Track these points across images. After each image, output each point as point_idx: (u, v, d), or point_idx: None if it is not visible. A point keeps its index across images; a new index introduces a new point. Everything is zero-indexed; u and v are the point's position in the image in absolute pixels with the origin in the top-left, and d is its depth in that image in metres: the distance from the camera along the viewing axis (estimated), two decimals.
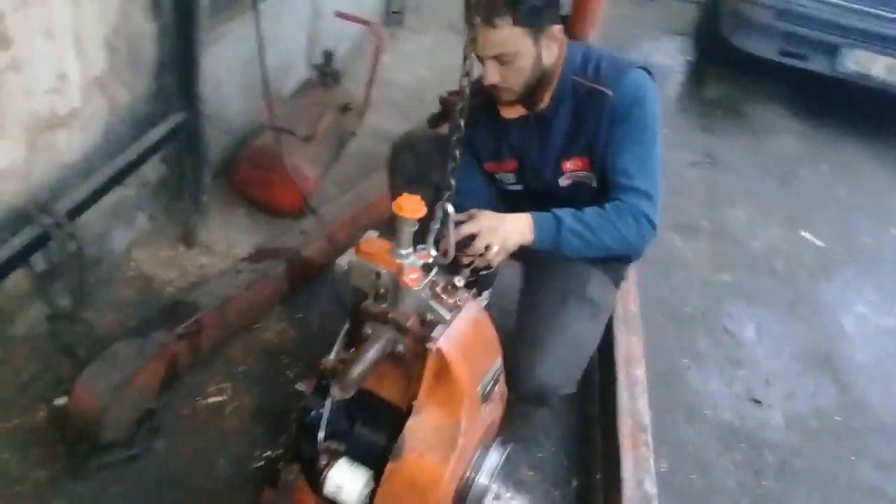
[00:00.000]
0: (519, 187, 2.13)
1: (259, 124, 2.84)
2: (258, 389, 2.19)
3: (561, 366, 2.01)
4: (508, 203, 2.10)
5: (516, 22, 1.76)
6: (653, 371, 2.51)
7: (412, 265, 1.56)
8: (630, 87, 1.92)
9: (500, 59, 1.83)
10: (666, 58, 5.73)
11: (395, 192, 2.33)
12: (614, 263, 2.22)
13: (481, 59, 1.85)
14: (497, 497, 2.00)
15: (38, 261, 1.87)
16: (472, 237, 1.77)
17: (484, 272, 1.79)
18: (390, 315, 1.55)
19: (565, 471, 2.15)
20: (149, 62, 2.25)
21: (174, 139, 2.36)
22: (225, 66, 2.77)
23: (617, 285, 2.28)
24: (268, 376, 2.23)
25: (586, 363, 2.11)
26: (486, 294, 1.88)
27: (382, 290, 1.58)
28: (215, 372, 2.21)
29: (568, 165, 2.02)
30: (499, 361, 1.71)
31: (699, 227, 3.51)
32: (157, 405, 2.02)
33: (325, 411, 1.63)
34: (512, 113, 2.02)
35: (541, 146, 2.03)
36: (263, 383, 2.21)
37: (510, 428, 2.18)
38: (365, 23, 3.12)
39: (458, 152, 1.59)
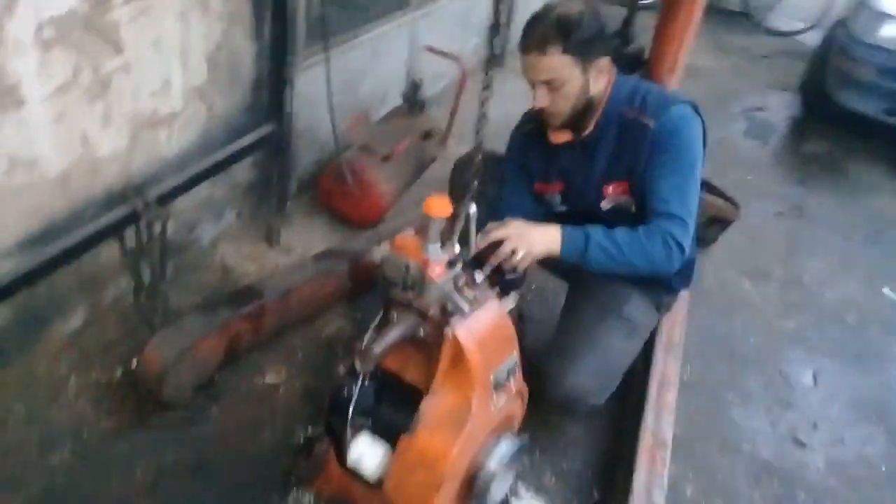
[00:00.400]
0: (564, 209, 2.26)
1: (345, 142, 3.11)
2: (311, 375, 2.39)
3: (590, 376, 2.11)
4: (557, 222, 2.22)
5: (566, 51, 1.92)
6: (695, 403, 2.57)
7: (438, 260, 1.73)
8: (671, 119, 2.02)
9: (549, 85, 1.98)
10: (769, 112, 5.68)
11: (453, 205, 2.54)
12: (657, 288, 2.32)
13: (532, 85, 2.03)
14: (517, 496, 2.15)
15: (130, 239, 2.16)
16: (500, 241, 1.92)
17: (511, 275, 1.92)
18: (414, 303, 1.73)
19: (588, 482, 2.22)
20: (246, 78, 2.55)
21: (263, 147, 2.65)
22: (319, 90, 3.06)
23: (658, 310, 2.36)
24: (321, 365, 2.43)
25: (618, 378, 2.19)
26: (513, 295, 2.00)
27: (410, 282, 1.74)
28: (275, 355, 2.44)
29: (609, 190, 2.13)
30: (514, 356, 1.83)
31: (771, 275, 3.48)
32: (217, 376, 2.26)
33: (355, 390, 1.82)
34: (559, 138, 2.16)
35: (585, 170, 2.16)
36: (316, 370, 2.41)
37: (541, 438, 2.30)
38: (452, 58, 3.35)
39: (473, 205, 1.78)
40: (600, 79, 2.04)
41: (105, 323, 2.29)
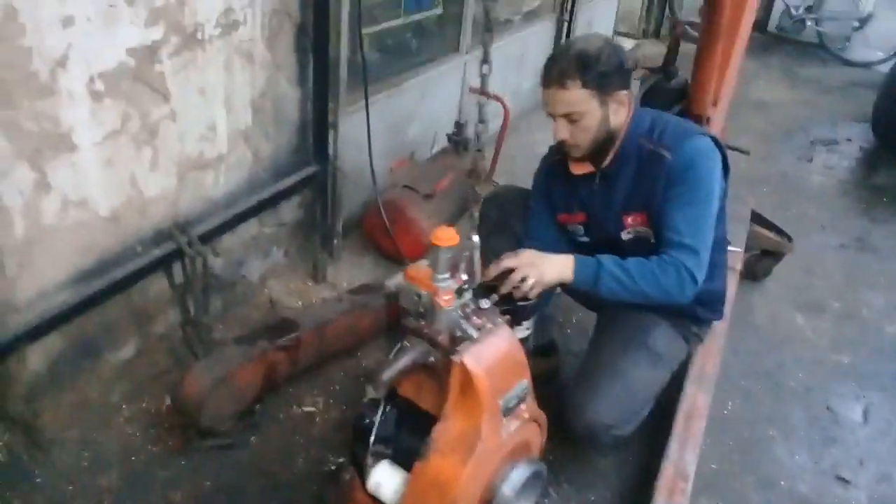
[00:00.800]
0: (587, 239, 2.30)
1: (389, 182, 3.25)
2: (347, 406, 2.48)
3: (613, 406, 2.12)
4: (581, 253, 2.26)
5: (584, 84, 1.99)
6: (735, 437, 2.53)
7: (447, 288, 1.80)
8: (688, 151, 2.05)
9: (569, 118, 2.05)
10: (839, 143, 5.54)
11: (482, 239, 2.61)
12: (684, 319, 2.32)
13: (553, 118, 2.10)
14: None
15: (178, 274, 2.32)
16: (511, 269, 1.97)
17: (522, 303, 1.97)
18: (425, 330, 1.80)
19: None
20: (290, 121, 2.71)
21: (308, 187, 2.80)
22: (365, 132, 3.22)
23: (687, 341, 2.36)
24: (358, 396, 2.51)
25: (643, 409, 2.20)
26: (526, 324, 2.05)
27: (422, 310, 1.82)
28: (313, 386, 2.54)
29: (629, 220, 2.17)
30: (525, 382, 1.86)
31: (827, 307, 3.39)
32: (256, 406, 2.38)
33: (377, 418, 1.90)
34: (580, 169, 2.21)
35: (605, 201, 2.20)
36: (353, 402, 2.49)
37: (569, 469, 2.31)
38: (495, 98, 3.44)
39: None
40: (619, 111, 2.09)
41: (155, 354, 2.45)
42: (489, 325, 1.81)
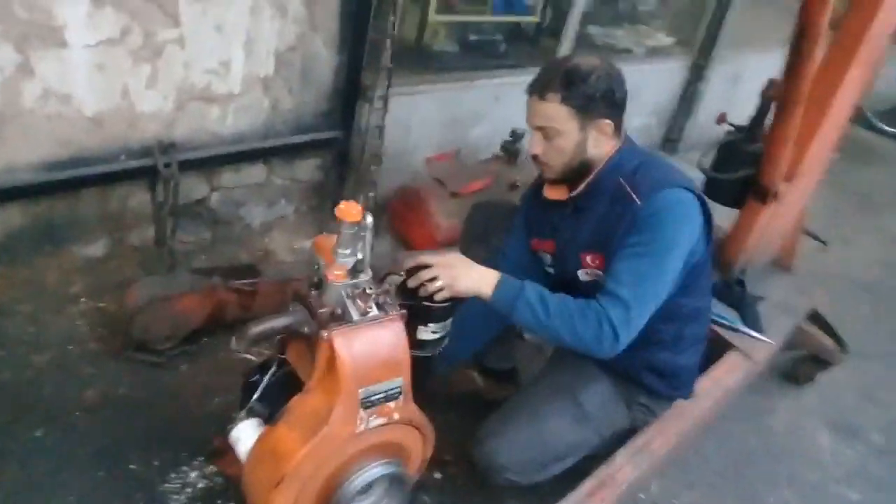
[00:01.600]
0: (552, 271, 2.16)
1: (425, 173, 3.22)
2: None
3: (515, 449, 2.01)
4: (547, 286, 2.13)
5: (564, 100, 1.86)
6: None
7: (342, 264, 1.75)
8: (657, 201, 1.86)
9: (545, 133, 1.93)
10: None
11: (462, 244, 2.53)
12: (632, 386, 2.14)
13: (531, 129, 1.99)
14: None
15: (160, 194, 2.42)
16: (425, 267, 1.88)
17: (427, 303, 1.87)
18: (309, 299, 1.76)
19: None
20: (321, 83, 2.75)
21: (327, 150, 2.82)
22: (418, 118, 3.21)
23: (629, 407, 2.16)
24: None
25: (553, 465, 2.06)
26: (434, 327, 1.94)
27: (316, 279, 1.79)
28: None
29: (587, 260, 2.00)
30: (398, 381, 1.76)
31: (864, 437, 2.97)
32: (204, 338, 2.43)
33: (265, 378, 1.90)
34: (553, 194, 2.08)
35: (572, 234, 2.05)
36: None
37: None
38: None
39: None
40: (601, 141, 1.94)
41: (126, 261, 2.57)
42: (378, 314, 1.74)
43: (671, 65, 4.78)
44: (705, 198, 1.96)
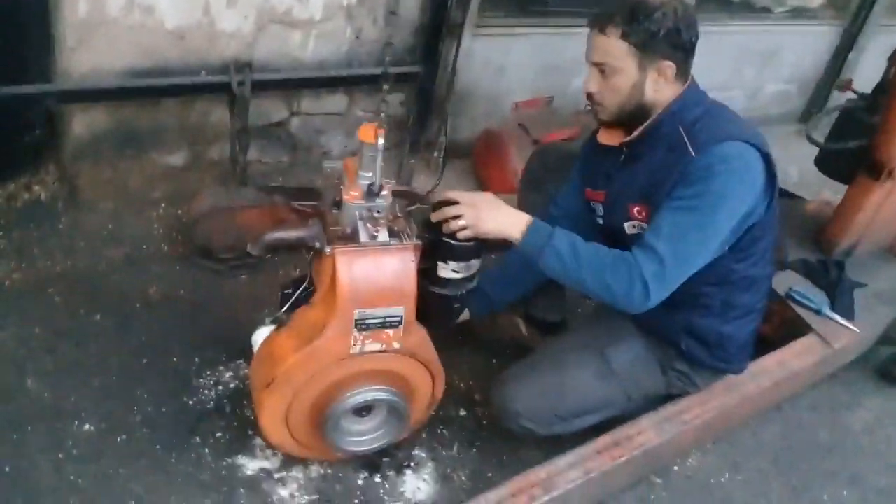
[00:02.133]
0: (601, 222, 2.07)
1: (511, 118, 3.16)
2: None
3: (532, 395, 1.99)
4: (599, 237, 2.04)
5: (624, 36, 1.75)
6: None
7: (360, 186, 1.76)
8: (712, 154, 1.73)
9: (602, 69, 1.83)
10: None
11: (519, 189, 2.47)
12: (669, 349, 2.03)
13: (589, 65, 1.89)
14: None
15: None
16: (453, 203, 1.85)
17: (449, 240, 1.84)
18: (326, 216, 1.80)
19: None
20: (407, 18, 2.74)
21: (409, 85, 2.83)
22: (514, 61, 3.14)
23: (665, 373, 2.06)
24: None
25: (569, 416, 2.01)
26: (454, 266, 1.90)
27: (337, 198, 1.82)
28: None
29: (634, 211, 1.90)
30: (398, 310, 1.76)
31: None
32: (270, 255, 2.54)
33: (296, 292, 1.97)
34: (606, 139, 1.98)
35: (623, 183, 1.95)
36: None
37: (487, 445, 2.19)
38: None
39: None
40: (660, 84, 1.81)
41: (205, 174, 2.72)
42: (387, 240, 1.75)
43: (819, 29, 4.36)
44: (771, 156, 1.79)
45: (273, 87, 2.54)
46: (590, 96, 1.89)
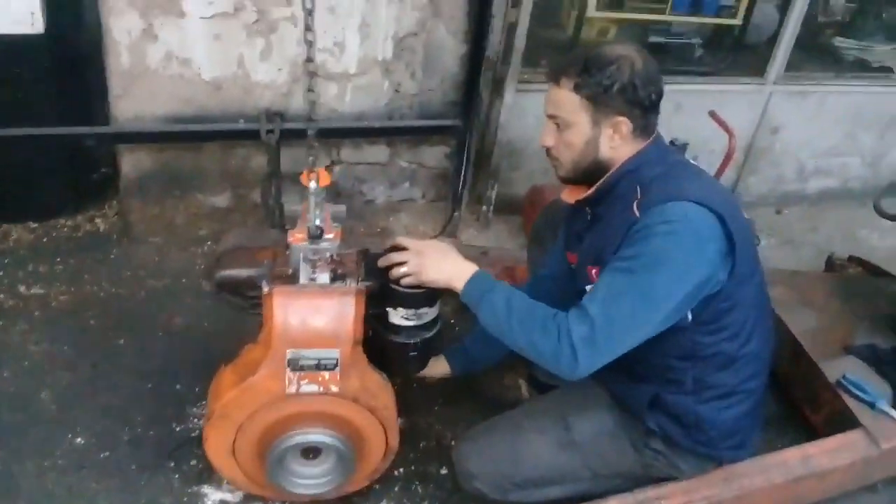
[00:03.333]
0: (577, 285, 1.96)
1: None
2: None
3: (486, 458, 1.91)
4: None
5: (577, 88, 1.69)
6: None
7: (303, 228, 1.80)
8: (654, 215, 1.60)
9: (556, 123, 1.78)
10: None
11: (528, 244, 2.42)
12: (640, 426, 1.86)
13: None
14: None
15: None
16: (400, 248, 1.83)
17: (394, 286, 1.82)
18: (277, 255, 1.85)
19: None
20: (447, 70, 2.79)
21: (451, 138, 2.86)
22: None
23: (637, 449, 1.88)
24: None
25: (529, 486, 1.89)
26: (405, 313, 1.86)
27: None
28: None
29: (592, 273, 1.79)
30: (334, 353, 1.75)
31: None
32: (208, 287, 2.54)
33: None
34: (569, 195, 1.89)
35: (587, 244, 1.85)
36: None
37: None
38: (727, 131, 2.90)
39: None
40: (616, 141, 1.71)
41: (247, 215, 2.89)
42: (327, 282, 1.76)
43: None
44: (728, 219, 1.62)
45: (307, 136, 2.66)
46: (548, 151, 1.82)
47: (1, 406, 2.19)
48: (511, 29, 2.68)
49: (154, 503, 2.01)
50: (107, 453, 2.11)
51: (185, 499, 2.03)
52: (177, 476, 2.08)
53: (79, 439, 2.14)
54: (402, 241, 1.86)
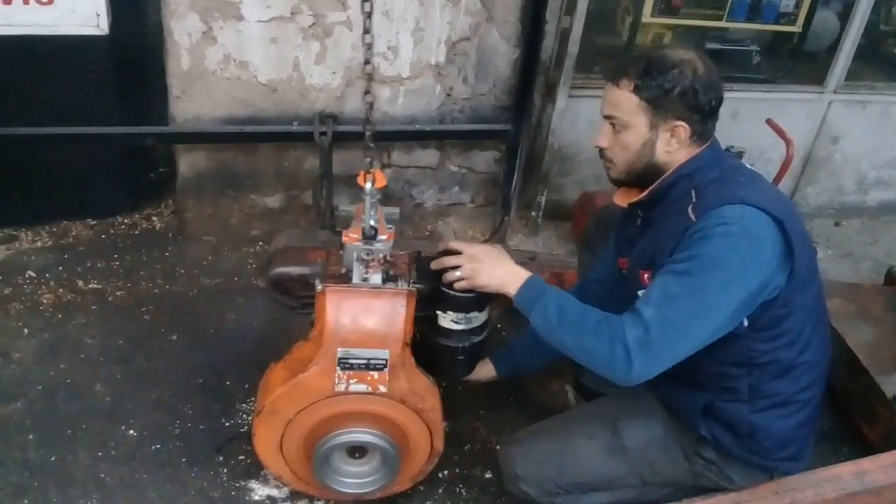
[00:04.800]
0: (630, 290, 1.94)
1: None
2: None
3: (531, 460, 1.90)
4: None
5: (636, 90, 1.67)
6: None
7: (358, 227, 1.81)
8: (710, 217, 1.57)
9: (613, 124, 1.76)
10: None
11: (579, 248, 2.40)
12: (692, 435, 1.82)
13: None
14: None
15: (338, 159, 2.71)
16: (455, 253, 1.83)
17: (447, 290, 1.82)
18: (330, 255, 1.87)
19: None
20: (499, 76, 2.80)
21: (502, 143, 2.86)
22: None
23: (688, 458, 1.84)
24: None
25: (576, 491, 1.87)
26: (454, 316, 1.85)
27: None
28: None
29: (645, 278, 1.76)
30: (384, 353, 1.76)
31: None
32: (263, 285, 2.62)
33: None
34: (621, 199, 1.87)
35: (639, 249, 1.83)
36: None
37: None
38: (785, 139, 2.83)
39: None
40: (672, 145, 1.69)
41: (300, 216, 2.93)
42: (379, 283, 1.77)
43: None
44: (786, 222, 1.58)
45: (359, 139, 2.68)
46: (601, 152, 1.80)
47: (57, 396, 2.25)
48: (564, 34, 2.68)
49: (202, 496, 2.04)
50: (158, 446, 2.16)
51: (233, 493, 2.06)
52: (225, 470, 2.11)
53: (131, 431, 2.19)
54: (454, 244, 1.86)
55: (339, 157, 2.69)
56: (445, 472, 2.19)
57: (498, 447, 2.24)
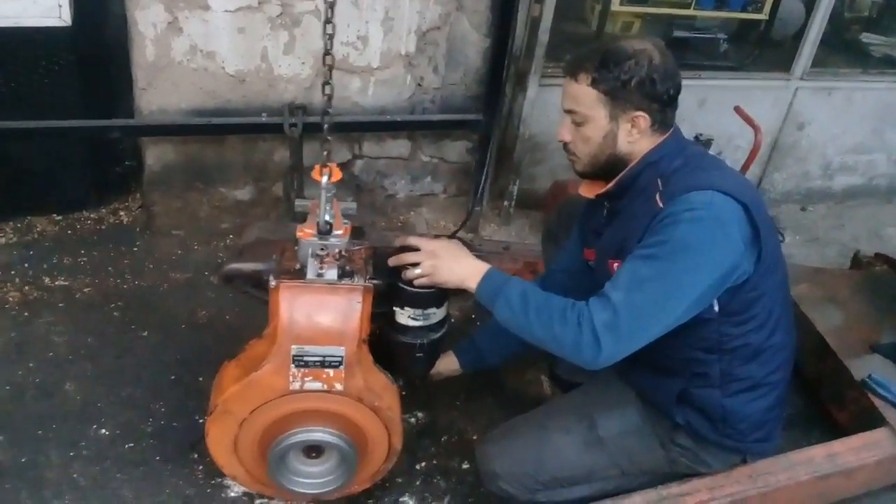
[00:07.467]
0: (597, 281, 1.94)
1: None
2: None
3: (509, 457, 1.89)
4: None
5: (594, 83, 1.67)
6: None
7: (313, 223, 1.78)
8: (680, 204, 1.58)
9: (574, 118, 1.77)
10: None
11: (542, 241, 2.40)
12: (667, 422, 1.84)
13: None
14: None
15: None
16: (414, 249, 1.82)
17: (405, 286, 1.81)
18: (285, 250, 1.84)
19: None
20: (470, 65, 2.79)
21: (473, 133, 2.86)
22: None
23: (665, 446, 1.86)
24: None
25: (555, 485, 1.87)
26: (412, 312, 1.84)
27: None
28: None
29: (613, 268, 1.77)
30: (339, 350, 1.71)
31: None
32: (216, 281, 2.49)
33: None
34: (586, 190, 1.88)
35: (606, 239, 1.84)
36: None
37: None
38: (753, 125, 2.87)
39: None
40: (634, 135, 1.70)
41: (270, 209, 2.90)
42: (334, 279, 1.74)
43: None
44: (752, 207, 1.60)
45: (333, 131, 2.66)
46: (565, 146, 1.81)
47: (26, 396, 2.21)
48: (534, 23, 2.68)
49: (177, 494, 2.02)
50: (131, 444, 2.12)
51: (209, 490, 2.04)
52: (200, 468, 2.08)
53: (103, 430, 2.15)
54: (412, 240, 1.84)
55: (309, 149, 2.65)
56: (423, 464, 2.18)
57: (475, 438, 2.24)
